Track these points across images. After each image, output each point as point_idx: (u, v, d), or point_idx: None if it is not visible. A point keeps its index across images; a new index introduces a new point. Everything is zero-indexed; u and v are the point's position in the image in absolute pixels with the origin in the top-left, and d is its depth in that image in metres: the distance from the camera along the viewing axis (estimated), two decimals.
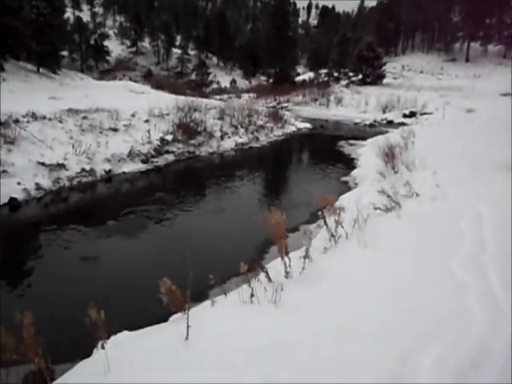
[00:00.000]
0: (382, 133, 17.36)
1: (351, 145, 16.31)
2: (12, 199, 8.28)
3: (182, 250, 6.63)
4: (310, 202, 9.12)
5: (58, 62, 26.79)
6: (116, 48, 71.34)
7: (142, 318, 3.53)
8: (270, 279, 3.34)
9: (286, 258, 3.46)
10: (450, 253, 3.66)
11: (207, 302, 3.23)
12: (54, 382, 2.37)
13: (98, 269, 6.06)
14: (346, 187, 10.11)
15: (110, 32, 76.20)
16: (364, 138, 17.35)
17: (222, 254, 6.31)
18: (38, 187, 9.00)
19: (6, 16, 19.62)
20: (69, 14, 56.17)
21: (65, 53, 40.66)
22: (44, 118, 11.32)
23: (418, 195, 5.91)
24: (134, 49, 73.26)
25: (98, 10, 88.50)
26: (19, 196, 8.48)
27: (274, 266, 4.67)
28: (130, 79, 45.98)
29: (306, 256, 3.51)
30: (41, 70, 24.24)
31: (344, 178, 11.01)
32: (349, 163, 13.03)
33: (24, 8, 21.78)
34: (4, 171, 8.71)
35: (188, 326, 2.46)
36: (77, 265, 6.19)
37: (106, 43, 65.48)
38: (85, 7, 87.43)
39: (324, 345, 2.50)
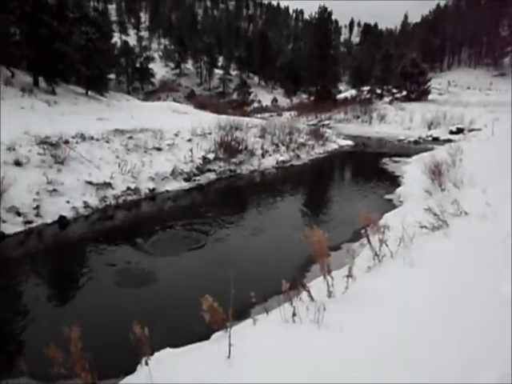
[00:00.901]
0: (427, 150, 16.86)
1: (395, 162, 15.93)
2: (61, 217, 8.65)
3: (223, 267, 6.60)
4: (352, 220, 8.91)
5: (106, 85, 28.09)
6: (160, 70, 74.25)
7: (184, 335, 3.53)
8: (312, 298, 3.25)
9: (328, 277, 3.36)
10: (500, 274, 3.43)
11: (249, 320, 3.17)
12: None
13: (142, 285, 6.15)
14: (391, 205, 9.83)
15: (155, 55, 79.52)
16: (408, 155, 16.91)
17: (264, 272, 6.26)
18: (86, 205, 9.36)
19: (56, 42, 20.83)
20: (116, 38, 59.19)
21: (112, 76, 42.82)
22: (92, 138, 11.85)
23: (466, 214, 5.62)
24: (177, 70, 75.99)
25: (144, 33, 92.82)
26: (68, 214, 8.85)
27: (316, 284, 4.55)
28: (174, 100, 47.60)
29: (350, 275, 3.40)
30: (89, 92, 25.49)
31: (388, 196, 10.73)
32: (393, 181, 12.70)
33: (74, 34, 23.01)
34: (54, 190, 9.13)
35: (230, 345, 2.42)
36: (122, 281, 6.32)
37: (150, 66, 68.36)
38: (131, 31, 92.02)
39: (369, 369, 2.38)
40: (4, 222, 7.98)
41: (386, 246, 4.25)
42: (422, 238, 4.81)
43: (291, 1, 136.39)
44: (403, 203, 9.48)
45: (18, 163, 9.50)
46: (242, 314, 4.37)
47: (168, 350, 2.91)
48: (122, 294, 5.85)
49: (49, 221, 8.57)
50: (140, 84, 66.93)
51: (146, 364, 2.43)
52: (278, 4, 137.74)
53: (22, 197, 8.58)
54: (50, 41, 20.95)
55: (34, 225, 8.32)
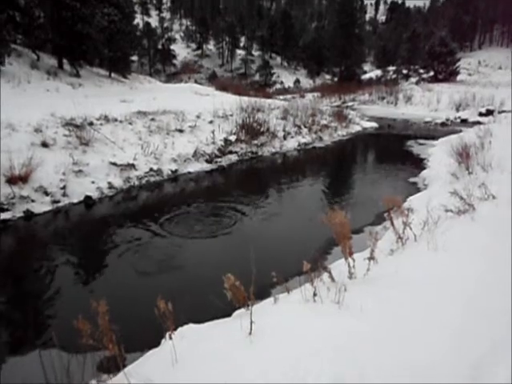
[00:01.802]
0: (454, 132, 16.42)
1: (421, 144, 15.58)
2: (87, 197, 8.86)
3: (245, 247, 6.66)
4: (375, 203, 8.82)
5: (128, 67, 28.26)
6: (182, 51, 74.05)
7: (207, 312, 3.59)
8: (333, 279, 3.24)
9: (349, 259, 3.35)
10: None
11: (270, 299, 3.21)
12: (125, 368, 2.47)
13: (166, 263, 6.27)
14: (415, 188, 9.66)
15: (177, 36, 79.24)
16: (435, 138, 16.50)
17: (285, 253, 6.29)
18: (111, 186, 9.54)
19: (79, 23, 20.97)
20: (138, 19, 59.11)
21: (134, 58, 42.97)
22: (115, 120, 11.99)
23: (494, 198, 5.48)
24: (199, 51, 75.65)
25: (165, 14, 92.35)
26: (93, 194, 9.05)
27: (338, 266, 4.56)
28: (195, 81, 47.54)
29: (372, 257, 3.38)
30: (112, 74, 25.72)
31: (412, 179, 10.54)
32: (418, 164, 12.44)
33: (96, 15, 23.10)
34: (80, 171, 9.33)
35: (251, 322, 2.47)
36: (146, 259, 6.46)
37: (172, 47, 68.23)
38: (153, 12, 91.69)
39: (389, 349, 2.38)
40: (33, 201, 8.22)
41: (410, 229, 4.20)
42: (447, 221, 4.72)
43: None
44: (428, 186, 9.30)
45: (44, 144, 9.72)
46: (263, 292, 4.43)
47: (191, 326, 2.97)
48: (146, 272, 5.98)
49: (75, 200, 8.78)
50: (162, 66, 67.00)
51: (170, 338, 2.50)
52: None
53: (50, 177, 8.81)
54: (73, 23, 21.14)
55: (61, 204, 8.55)
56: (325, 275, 3.25)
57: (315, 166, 13.21)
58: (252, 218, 8.13)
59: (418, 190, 9.34)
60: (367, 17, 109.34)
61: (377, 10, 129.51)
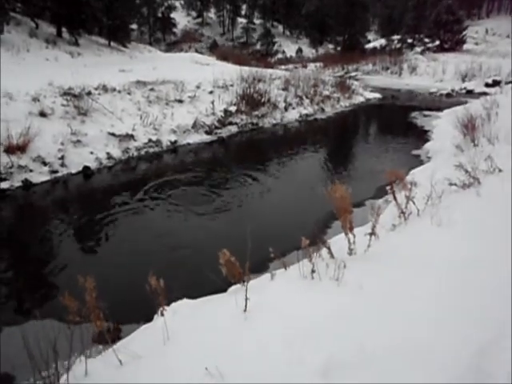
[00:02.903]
0: (460, 103, 16.07)
1: (425, 116, 15.28)
2: (85, 167, 8.75)
3: (243, 221, 6.61)
4: (377, 176, 8.68)
5: (128, 36, 27.61)
6: (182, 20, 72.06)
7: (202, 286, 3.54)
8: (332, 255, 3.16)
9: (350, 234, 3.26)
10: None
11: (267, 275, 3.14)
12: (115, 344, 2.42)
13: (162, 237, 6.21)
14: (418, 161, 9.50)
15: (177, 3, 76.85)
16: (440, 109, 16.17)
17: (283, 227, 6.21)
18: (109, 156, 9.41)
19: None
20: None
21: (134, 26, 41.91)
22: (114, 90, 11.72)
23: (500, 171, 5.34)
24: (199, 20, 73.62)
25: None
26: (92, 165, 8.93)
27: (337, 241, 4.48)
28: (196, 51, 46.51)
29: (373, 233, 3.28)
30: (112, 43, 25.14)
31: (416, 152, 10.35)
32: (422, 136, 12.22)
33: None
34: (78, 141, 9.18)
35: (246, 298, 2.39)
36: (142, 231, 6.42)
37: (172, 15, 66.27)
38: None
39: (389, 327, 2.32)
40: (31, 170, 8.14)
41: (413, 203, 4.09)
42: (451, 196, 4.60)
43: None
44: (431, 159, 9.14)
45: (42, 114, 9.54)
46: (260, 268, 4.38)
47: (184, 301, 2.92)
48: (142, 245, 5.93)
49: (73, 171, 8.69)
50: (162, 34, 65.29)
51: (162, 314, 2.43)
52: None
53: (48, 147, 8.68)
54: None
55: (59, 174, 8.47)
56: (324, 251, 3.16)
57: (316, 137, 12.97)
58: (251, 191, 8.02)
59: (421, 163, 9.19)
60: None
61: None
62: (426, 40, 39.59)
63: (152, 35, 63.63)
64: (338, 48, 44.09)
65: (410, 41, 41.58)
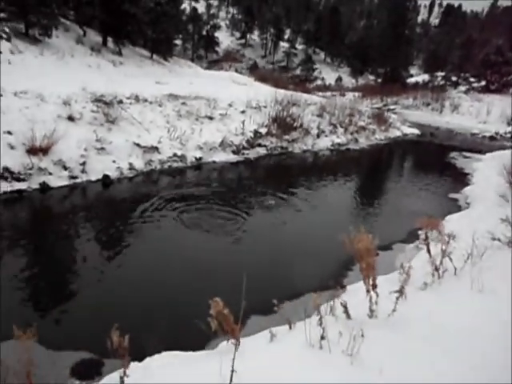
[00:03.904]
0: (504, 148, 15.24)
1: (465, 157, 14.48)
2: (105, 176, 8.51)
3: (256, 253, 6.10)
4: (408, 217, 8.08)
5: (171, 50, 28.08)
6: (226, 39, 73.62)
7: (191, 331, 3.06)
8: (348, 315, 2.65)
9: (372, 293, 2.74)
10: None
11: (266, 334, 2.62)
12: None
13: (168, 259, 5.83)
14: (455, 206, 8.80)
15: (222, 23, 78.79)
16: (481, 152, 15.34)
17: (297, 267, 5.62)
18: (131, 167, 9.17)
19: (126, 3, 20.93)
20: (186, 4, 58.98)
21: (178, 42, 42.87)
22: (145, 100, 11.64)
23: None
24: (242, 41, 75.00)
25: (213, 1, 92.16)
26: (112, 173, 8.70)
27: (356, 291, 3.95)
28: (236, 70, 47.03)
29: (400, 295, 2.73)
30: (154, 56, 25.59)
31: (453, 195, 9.63)
32: (460, 178, 11.47)
33: None
34: (102, 148, 9.00)
35: (232, 371, 1.89)
36: (151, 250, 6.06)
37: (216, 34, 67.85)
38: None
39: None
40: (50, 174, 7.97)
41: (450, 260, 3.51)
42: (496, 254, 3.99)
43: None
44: (471, 206, 8.43)
45: (71, 118, 9.46)
46: (261, 317, 3.89)
47: (163, 355, 2.45)
48: (147, 265, 5.55)
49: (93, 178, 8.48)
50: (204, 52, 66.83)
51: (123, 378, 1.95)
52: None
53: (71, 151, 8.53)
54: (121, 2, 21.12)
55: (78, 180, 8.27)
56: (338, 305, 2.64)
57: (347, 169, 12.39)
58: (271, 221, 7.51)
59: (459, 209, 8.50)
60: (419, 19, 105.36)
61: (430, 12, 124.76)
62: (472, 79, 38.57)
63: (195, 52, 65.19)
64: (379, 80, 43.60)
65: (454, 79, 40.62)
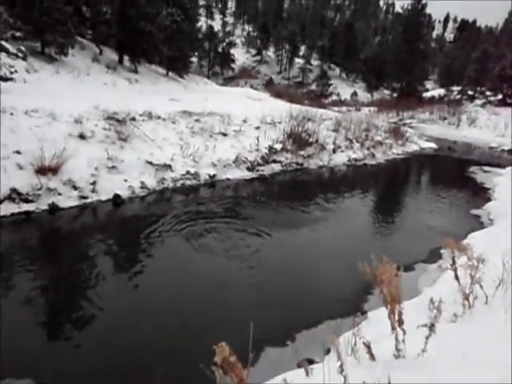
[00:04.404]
0: None
1: (485, 172, 14.03)
2: (116, 195, 8.37)
3: (270, 281, 5.78)
4: (429, 234, 7.76)
5: (187, 67, 28.35)
6: (241, 56, 74.55)
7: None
8: (372, 356, 2.36)
9: (398, 330, 2.45)
10: None
11: (279, 380, 2.34)
12: None
13: (178, 286, 5.60)
14: (478, 223, 8.41)
15: (238, 40, 79.95)
16: (501, 166, 14.89)
17: (313, 289, 5.34)
18: (143, 186, 9.03)
19: (142, 21, 21.24)
20: (202, 22, 60.07)
21: (194, 59, 43.43)
22: (159, 117, 11.57)
23: None
24: (258, 57, 75.84)
25: (229, 19, 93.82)
26: (123, 193, 8.55)
27: (378, 319, 3.65)
28: (252, 87, 47.40)
29: (430, 333, 2.44)
30: (170, 73, 25.86)
31: (475, 211, 9.23)
32: (481, 193, 11.06)
33: (160, 14, 23.43)
34: (113, 167, 8.89)
35: None
36: (159, 275, 5.84)
37: (232, 51, 68.81)
38: (217, 16, 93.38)
39: None
40: (59, 194, 7.84)
41: (481, 287, 3.19)
42: None
43: None
44: (494, 223, 8.04)
45: (82, 136, 9.41)
46: (275, 345, 3.62)
47: None
48: (153, 293, 5.33)
49: (103, 198, 8.34)
50: (220, 69, 67.70)
51: None
52: None
53: (81, 171, 8.42)
54: (137, 20, 21.48)
55: (88, 200, 8.13)
56: (361, 347, 2.36)
57: (365, 185, 12.04)
58: (287, 241, 7.25)
59: (482, 226, 8.11)
60: (434, 34, 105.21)
61: (445, 27, 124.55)
62: (488, 93, 38.07)
63: (211, 69, 66.06)
64: (394, 94, 43.24)
65: (470, 93, 40.13)
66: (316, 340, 3.56)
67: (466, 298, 3.17)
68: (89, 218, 7.82)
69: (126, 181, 8.88)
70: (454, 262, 3.29)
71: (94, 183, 8.36)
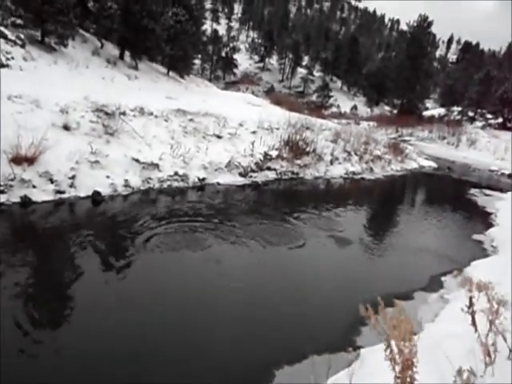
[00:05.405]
0: None
1: (486, 195, 13.55)
2: (96, 192, 7.77)
3: (255, 302, 5.20)
4: (429, 260, 7.24)
5: (188, 68, 27.92)
6: (244, 62, 74.39)
7: None
8: None
9: None
10: None
11: None
12: None
13: (155, 296, 4.99)
14: (480, 250, 7.88)
15: (241, 46, 79.89)
16: (503, 190, 14.47)
17: (295, 325, 4.71)
18: (127, 184, 8.44)
19: (146, 18, 20.82)
20: (207, 26, 59.80)
21: (197, 61, 43.01)
22: (151, 114, 11.01)
23: None
24: (261, 64, 75.73)
25: (234, 24, 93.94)
26: (104, 190, 7.96)
27: (373, 359, 3.10)
28: (253, 93, 47.10)
29: None
30: (171, 73, 25.38)
31: (477, 237, 8.70)
32: (483, 218, 10.56)
33: (164, 13, 23.04)
34: (96, 162, 8.30)
35: None
36: (133, 283, 5.25)
37: (235, 56, 68.66)
38: (222, 21, 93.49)
39: None
40: (34, 187, 7.25)
41: (504, 339, 2.63)
42: None
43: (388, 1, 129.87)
44: (499, 251, 7.52)
45: (66, 127, 8.83)
46: None
47: None
48: (127, 303, 4.75)
49: (82, 194, 7.75)
50: (222, 73, 67.40)
51: None
52: (374, 11, 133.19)
53: (60, 163, 7.83)
54: (141, 17, 21.06)
55: (65, 195, 7.54)
56: None
57: (362, 201, 11.44)
58: (274, 258, 6.67)
59: (485, 253, 7.60)
60: (437, 54, 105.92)
61: (448, 48, 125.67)
62: (489, 116, 38.01)
63: (213, 72, 65.79)
64: (394, 111, 43.14)
65: (470, 114, 40.09)
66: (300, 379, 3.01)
67: (488, 353, 2.60)
68: (63, 215, 7.20)
69: (108, 177, 8.30)
70: (471, 304, 2.73)
71: (73, 177, 7.78)
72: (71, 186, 7.69)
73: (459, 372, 1.91)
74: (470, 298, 2.77)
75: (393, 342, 1.86)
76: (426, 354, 2.64)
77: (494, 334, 2.65)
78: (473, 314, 2.75)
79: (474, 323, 2.75)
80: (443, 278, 6.19)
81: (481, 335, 2.68)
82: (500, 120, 36.50)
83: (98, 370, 3.63)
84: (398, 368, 1.83)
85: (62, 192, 7.53)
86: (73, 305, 4.65)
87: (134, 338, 4.11)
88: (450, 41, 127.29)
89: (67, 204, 7.45)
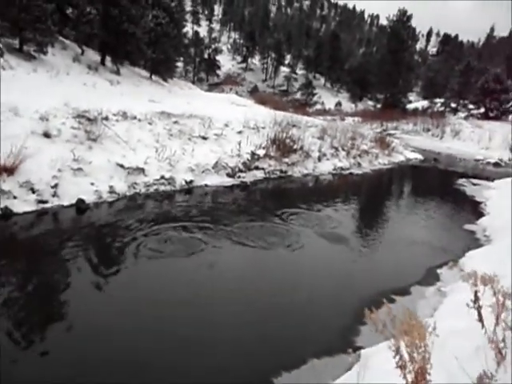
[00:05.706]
0: (510, 175, 14.39)
1: (474, 185, 13.58)
2: (80, 200, 7.53)
3: (246, 308, 5.05)
4: (423, 252, 7.16)
5: (171, 71, 27.61)
6: (227, 63, 74.17)
7: None
8: None
9: None
10: None
11: None
12: None
13: (145, 308, 4.80)
14: (473, 239, 7.83)
15: (224, 47, 79.64)
16: (489, 179, 14.53)
17: (290, 327, 4.54)
18: (112, 190, 8.21)
19: (126, 22, 20.46)
20: (188, 28, 59.40)
21: (180, 64, 42.63)
22: (134, 118, 10.77)
23: None
24: (243, 65, 75.64)
25: (215, 26, 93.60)
26: (88, 198, 7.72)
27: (374, 361, 2.97)
28: (237, 93, 46.93)
29: None
30: (153, 77, 25.05)
31: (469, 227, 8.65)
32: (473, 208, 10.56)
33: (145, 17, 22.71)
34: (79, 169, 8.05)
35: None
36: (123, 294, 5.05)
37: (218, 58, 68.44)
38: (203, 23, 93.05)
39: None
40: (15, 197, 6.98)
41: None
42: None
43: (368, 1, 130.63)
44: (492, 240, 7.48)
45: (46, 135, 8.56)
46: None
47: None
48: (118, 312, 4.55)
49: (66, 203, 7.50)
50: (205, 75, 67.13)
51: None
52: (354, 7, 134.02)
53: (41, 172, 7.56)
54: (121, 21, 20.69)
55: (48, 205, 7.28)
56: None
57: (352, 195, 11.41)
58: (266, 259, 6.51)
59: (478, 243, 7.54)
60: (418, 47, 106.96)
61: (428, 41, 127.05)
62: (471, 106, 38.42)
63: (196, 75, 65.48)
64: (378, 105, 43.29)
65: (453, 105, 40.50)
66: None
67: (499, 350, 2.47)
68: (46, 225, 6.95)
69: (92, 184, 8.06)
70: (476, 299, 2.61)
71: (55, 186, 7.52)
72: (54, 195, 7.44)
73: (480, 378, 1.78)
74: (476, 293, 2.65)
75: (402, 348, 1.72)
76: (432, 353, 2.51)
77: (502, 329, 2.54)
78: (479, 309, 2.63)
79: (480, 319, 2.63)
80: (439, 271, 6.10)
81: (488, 331, 2.57)
82: (482, 110, 36.90)
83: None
84: (410, 377, 1.69)
85: (45, 201, 7.27)
86: (58, 319, 4.44)
87: (126, 348, 3.93)
88: (429, 34, 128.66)
89: (50, 214, 7.21)
